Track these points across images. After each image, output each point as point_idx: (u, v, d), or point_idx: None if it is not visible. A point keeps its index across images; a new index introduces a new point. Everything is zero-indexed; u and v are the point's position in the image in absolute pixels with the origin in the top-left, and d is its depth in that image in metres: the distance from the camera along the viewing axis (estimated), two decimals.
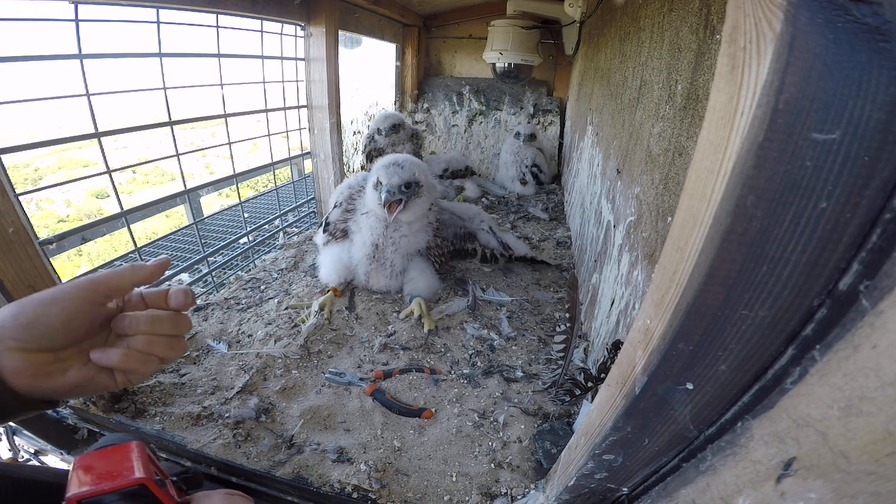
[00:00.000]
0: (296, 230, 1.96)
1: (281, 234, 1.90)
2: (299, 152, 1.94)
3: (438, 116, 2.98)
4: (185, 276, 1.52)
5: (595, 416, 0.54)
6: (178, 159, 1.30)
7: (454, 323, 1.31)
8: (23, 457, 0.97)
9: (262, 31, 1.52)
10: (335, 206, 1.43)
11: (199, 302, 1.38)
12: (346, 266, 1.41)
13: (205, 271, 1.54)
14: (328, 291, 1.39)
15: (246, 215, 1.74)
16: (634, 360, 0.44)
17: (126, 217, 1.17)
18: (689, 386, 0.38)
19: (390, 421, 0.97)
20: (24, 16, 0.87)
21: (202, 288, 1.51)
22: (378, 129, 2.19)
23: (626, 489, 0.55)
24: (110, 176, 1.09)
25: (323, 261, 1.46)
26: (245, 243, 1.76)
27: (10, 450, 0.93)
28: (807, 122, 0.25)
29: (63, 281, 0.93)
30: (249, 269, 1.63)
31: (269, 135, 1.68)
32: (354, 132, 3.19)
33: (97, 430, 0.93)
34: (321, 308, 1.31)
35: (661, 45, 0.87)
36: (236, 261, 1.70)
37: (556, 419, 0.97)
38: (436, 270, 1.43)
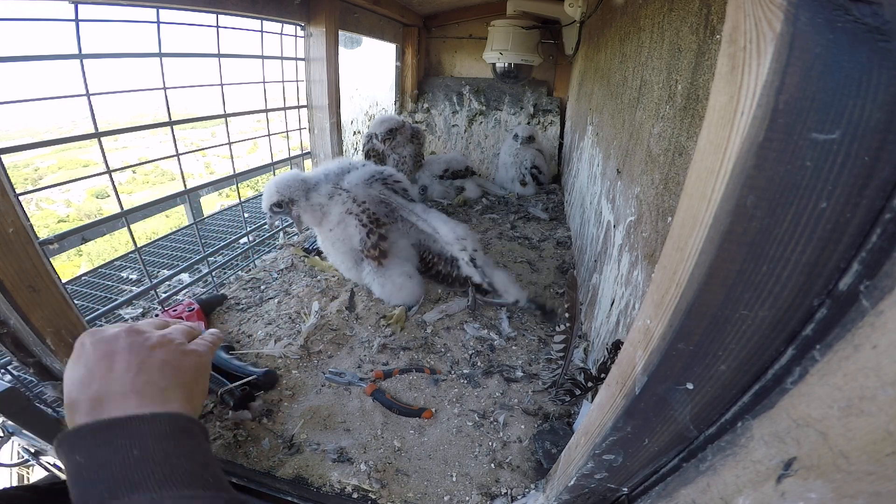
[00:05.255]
0: (296, 230, 1.96)
1: (281, 234, 1.90)
2: (299, 152, 1.94)
3: (438, 116, 2.98)
4: (185, 277, 1.52)
5: (595, 416, 0.54)
6: (178, 159, 1.30)
7: (454, 323, 1.31)
8: (22, 457, 0.96)
9: (262, 31, 1.51)
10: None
11: None
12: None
13: (205, 271, 1.53)
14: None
15: (246, 215, 1.73)
16: (634, 360, 0.44)
17: (126, 217, 1.17)
18: (689, 386, 0.38)
19: (390, 421, 0.97)
20: (24, 16, 0.87)
21: (202, 288, 1.51)
22: (374, 134, 2.13)
23: (626, 489, 0.55)
24: (110, 176, 1.09)
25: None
26: (245, 243, 1.76)
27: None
28: (807, 122, 0.25)
29: (63, 282, 0.92)
30: (249, 269, 1.63)
31: (269, 135, 1.68)
32: (354, 132, 3.18)
33: None
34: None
35: (661, 45, 0.87)
36: (236, 261, 1.70)
37: (556, 419, 0.97)
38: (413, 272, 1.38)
